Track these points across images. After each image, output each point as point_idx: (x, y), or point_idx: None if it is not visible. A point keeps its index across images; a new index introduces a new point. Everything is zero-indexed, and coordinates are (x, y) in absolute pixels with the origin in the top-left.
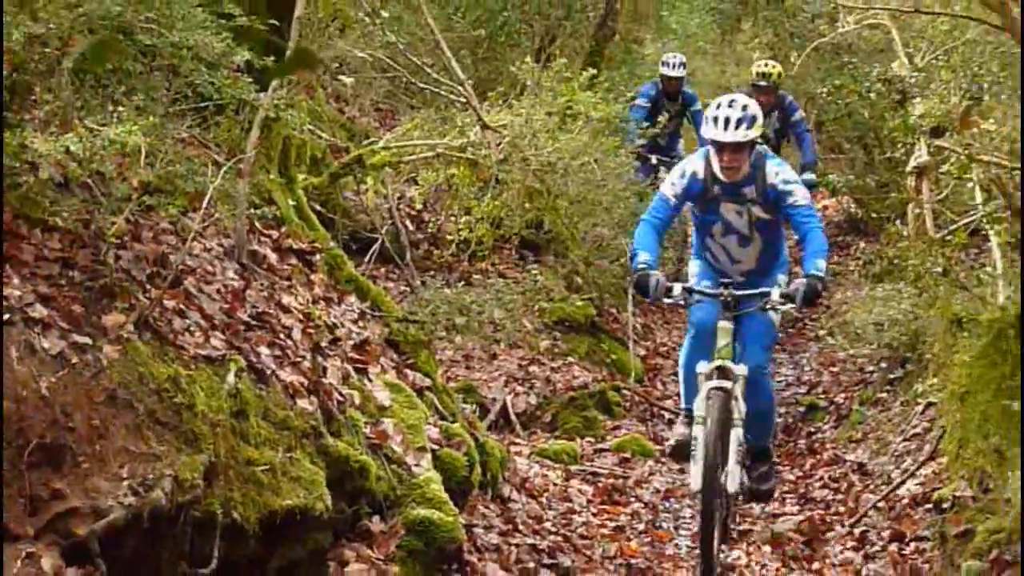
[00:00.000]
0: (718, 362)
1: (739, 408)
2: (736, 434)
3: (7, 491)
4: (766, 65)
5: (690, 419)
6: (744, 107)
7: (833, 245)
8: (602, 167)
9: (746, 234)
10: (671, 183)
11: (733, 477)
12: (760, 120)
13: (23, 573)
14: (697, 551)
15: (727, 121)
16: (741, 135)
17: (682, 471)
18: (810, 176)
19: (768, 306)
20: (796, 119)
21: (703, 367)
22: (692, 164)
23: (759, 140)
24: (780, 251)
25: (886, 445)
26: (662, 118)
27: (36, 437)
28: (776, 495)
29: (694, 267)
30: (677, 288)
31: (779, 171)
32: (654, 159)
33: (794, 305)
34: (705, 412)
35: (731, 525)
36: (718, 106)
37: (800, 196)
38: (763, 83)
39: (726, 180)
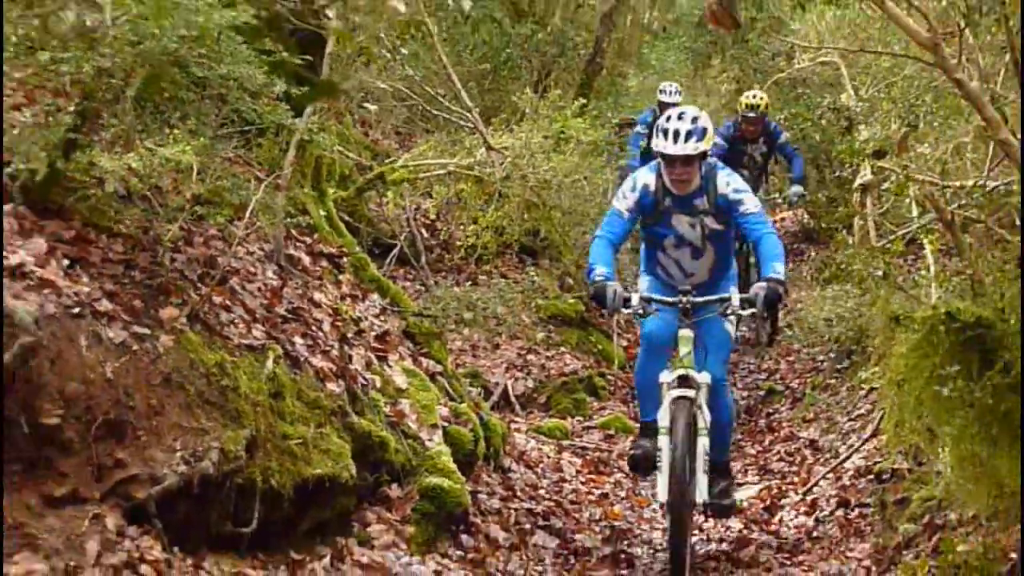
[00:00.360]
0: (681, 371)
1: (704, 417)
2: (702, 443)
3: (76, 460)
4: (754, 97)
5: (651, 431)
6: (694, 119)
7: (789, 252)
8: (591, 183)
9: (699, 246)
10: (623, 196)
11: (701, 487)
12: (711, 132)
13: (91, 531)
14: (668, 565)
15: (676, 134)
16: (691, 148)
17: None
18: (798, 188)
19: (729, 311)
20: (782, 141)
21: (666, 376)
22: (643, 177)
23: (712, 152)
24: (730, 263)
25: (834, 424)
26: None
27: (102, 414)
28: (739, 467)
29: (644, 283)
30: (635, 298)
31: (730, 180)
32: None
33: (755, 310)
34: (670, 422)
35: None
36: (668, 119)
37: (750, 204)
38: (752, 114)
39: (677, 193)
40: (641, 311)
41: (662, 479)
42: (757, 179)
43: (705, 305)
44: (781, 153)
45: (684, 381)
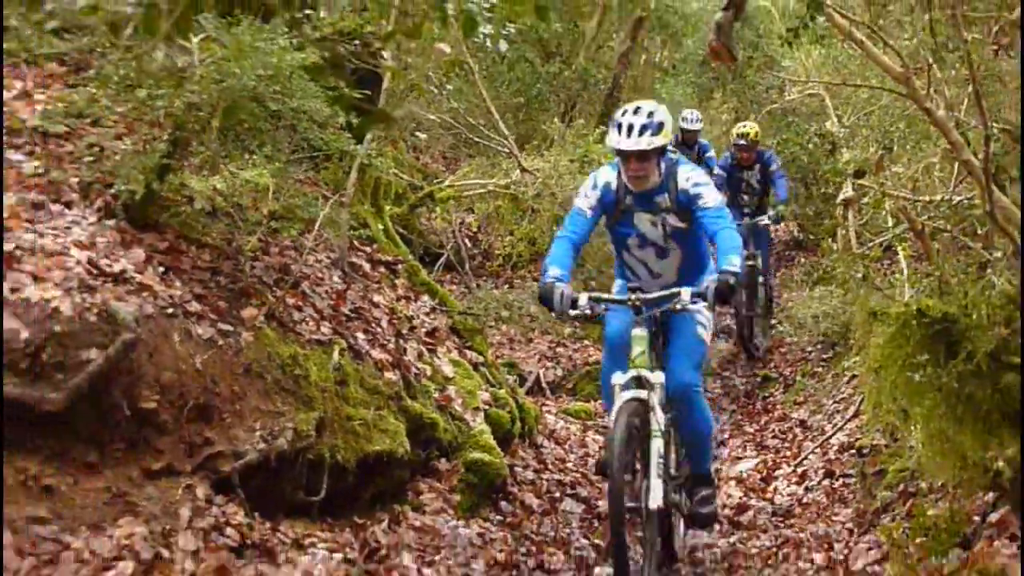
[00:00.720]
0: (633, 372)
1: (657, 419)
2: (656, 446)
3: (171, 439)
4: (744, 127)
5: None
6: (650, 114)
7: (781, 259)
8: None
9: (663, 245)
10: (584, 195)
11: (655, 493)
12: (668, 127)
13: (183, 499)
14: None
15: (630, 128)
16: (645, 143)
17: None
18: (779, 209)
19: (679, 306)
20: (774, 169)
21: (618, 378)
22: (604, 175)
23: (673, 148)
24: (703, 261)
25: (821, 406)
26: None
27: (192, 399)
28: (738, 443)
29: (616, 286)
30: (583, 298)
31: (690, 175)
32: None
33: (706, 304)
34: (614, 424)
35: (678, 544)
36: (623, 113)
37: (710, 198)
38: (742, 141)
39: (635, 190)
40: (589, 311)
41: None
42: (757, 204)
43: (656, 302)
44: (771, 179)
45: (636, 382)
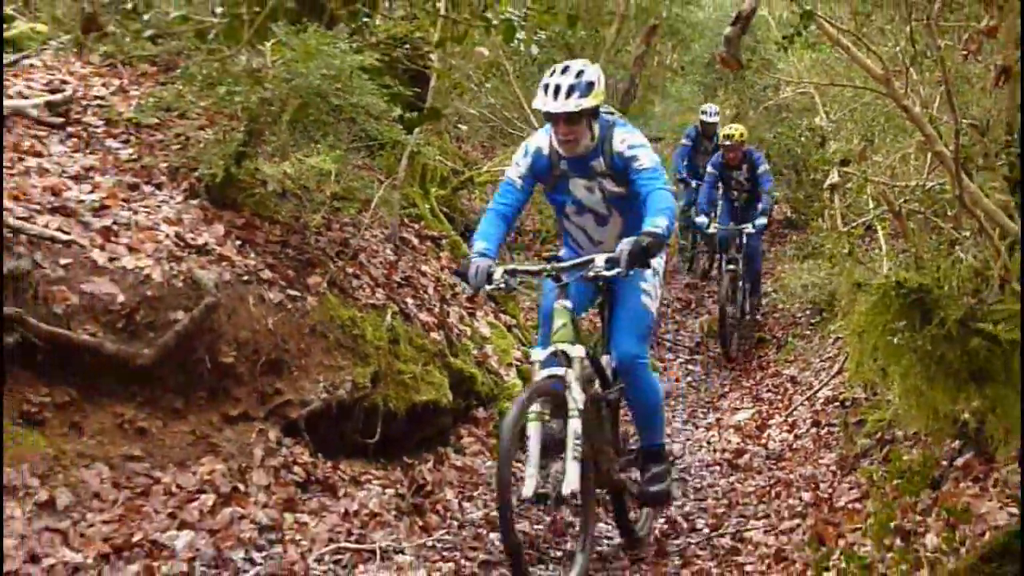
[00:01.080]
0: (552, 347)
1: (573, 397)
2: (572, 427)
3: (246, 389)
4: (730, 128)
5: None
6: (578, 73)
7: (775, 236)
8: None
9: (602, 212)
10: (515, 164)
11: (570, 476)
12: (600, 87)
13: (257, 441)
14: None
15: (557, 89)
16: (572, 105)
17: (689, 372)
18: (763, 221)
19: (591, 273)
20: (762, 171)
21: (537, 354)
22: (536, 140)
23: (608, 110)
24: None
25: (809, 364)
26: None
27: (265, 355)
28: (737, 396)
29: (562, 255)
30: (498, 272)
31: (626, 137)
32: (694, 184)
33: (619, 270)
34: (513, 405)
35: (640, 524)
36: (551, 73)
37: (645, 159)
38: (727, 142)
39: (566, 154)
40: (503, 285)
41: (527, 469)
42: (747, 200)
43: (571, 270)
44: (757, 180)
45: (556, 358)
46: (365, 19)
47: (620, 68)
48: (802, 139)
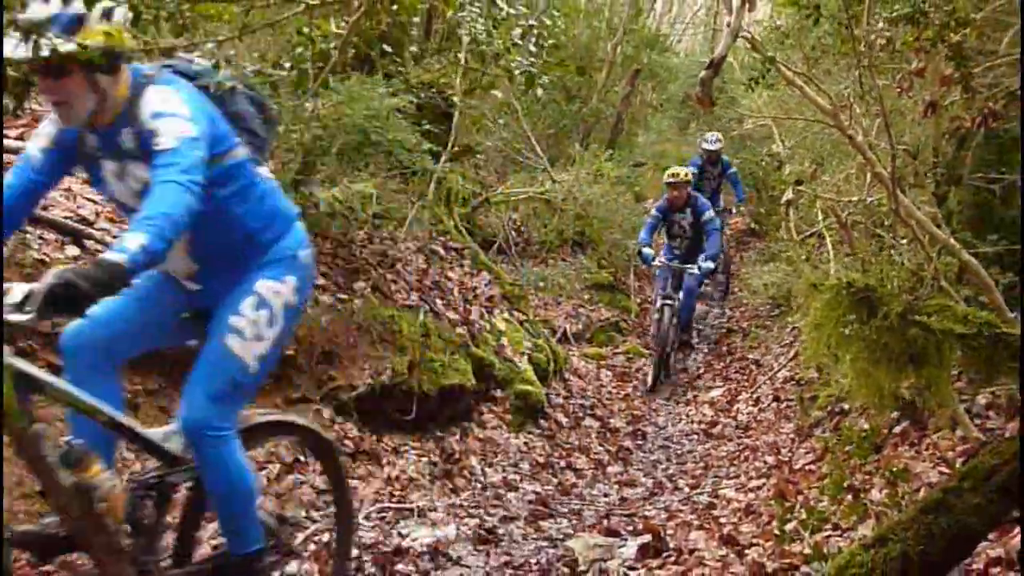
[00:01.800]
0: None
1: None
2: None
3: (305, 376)
4: (675, 168)
5: None
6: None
7: (739, 245)
8: (617, 203)
9: (130, 205)
10: (35, 134)
11: None
12: (108, 24)
13: (314, 419)
14: None
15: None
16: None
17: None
18: (708, 264)
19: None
20: (732, 172)
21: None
22: None
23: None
24: (240, 245)
25: (770, 350)
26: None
27: (320, 348)
28: (709, 376)
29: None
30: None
31: (154, 100)
32: None
33: (29, 316)
34: None
35: None
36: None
37: (169, 135)
38: (672, 180)
39: (64, 124)
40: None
41: None
42: (687, 248)
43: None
44: (729, 180)
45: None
46: (399, 67)
47: (609, 106)
48: (762, 163)
